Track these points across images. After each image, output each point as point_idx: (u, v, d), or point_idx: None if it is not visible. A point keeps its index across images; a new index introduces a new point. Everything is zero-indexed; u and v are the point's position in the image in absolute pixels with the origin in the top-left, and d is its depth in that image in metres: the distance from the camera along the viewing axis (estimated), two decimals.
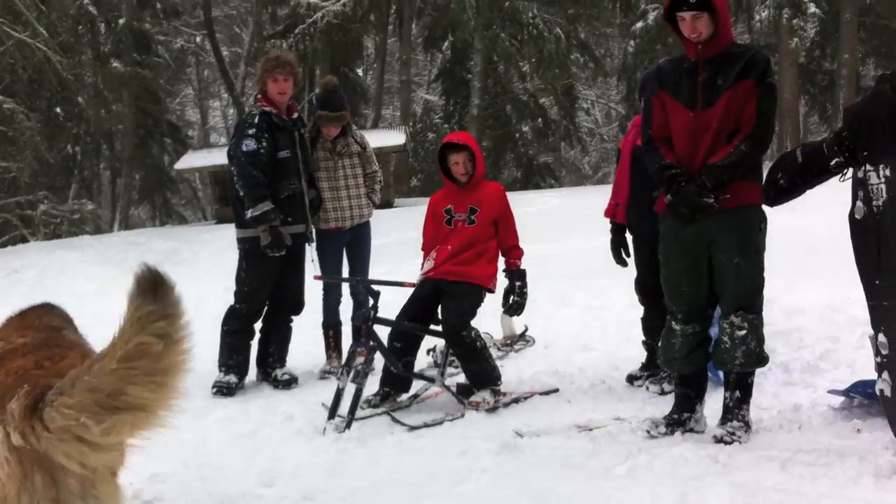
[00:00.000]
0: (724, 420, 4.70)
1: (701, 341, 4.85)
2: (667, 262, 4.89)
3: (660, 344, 5.05)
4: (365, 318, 5.76)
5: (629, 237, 6.28)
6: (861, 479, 3.83)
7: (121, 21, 27.19)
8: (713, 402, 4.95)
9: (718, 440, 4.56)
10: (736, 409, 4.70)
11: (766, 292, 4.81)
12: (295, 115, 6.77)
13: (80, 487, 2.54)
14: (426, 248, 6.24)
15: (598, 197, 7.83)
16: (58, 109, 27.35)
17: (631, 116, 15.91)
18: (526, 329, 7.72)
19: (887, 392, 4.23)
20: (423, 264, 6.19)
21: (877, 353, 4.32)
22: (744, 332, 4.63)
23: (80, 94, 26.43)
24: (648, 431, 4.77)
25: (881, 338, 4.26)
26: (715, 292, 4.76)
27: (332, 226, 7.03)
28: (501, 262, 6.17)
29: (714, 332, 4.91)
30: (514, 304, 6.12)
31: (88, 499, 2.56)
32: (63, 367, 2.78)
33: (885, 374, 4.24)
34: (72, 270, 13.17)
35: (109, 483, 2.68)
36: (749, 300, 4.68)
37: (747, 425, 4.67)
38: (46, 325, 3.38)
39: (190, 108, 41.69)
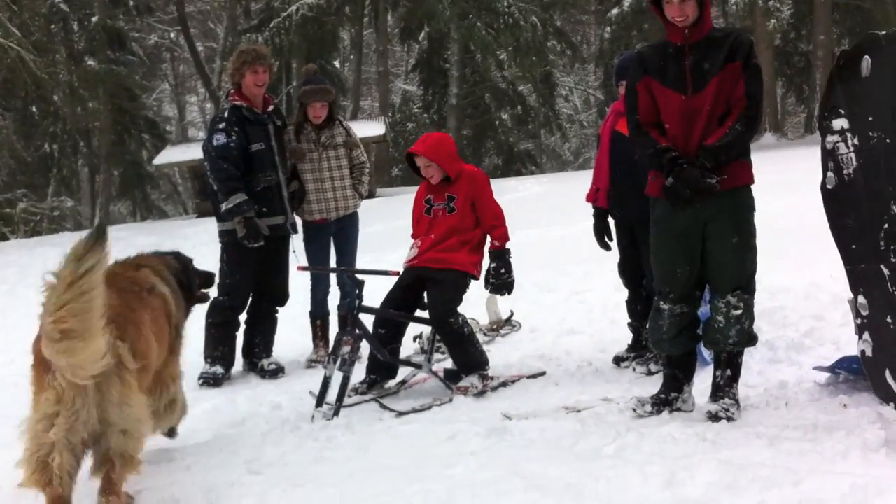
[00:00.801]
0: (716, 397, 4.72)
1: (689, 323, 4.84)
2: (662, 245, 4.84)
3: (647, 326, 5.05)
4: (350, 307, 5.75)
5: (611, 221, 6.28)
6: (849, 453, 3.83)
7: (94, 19, 27.03)
8: (700, 381, 4.97)
9: (713, 415, 4.57)
10: (727, 388, 4.72)
11: None
12: (271, 108, 6.77)
13: (119, 397, 3.66)
14: (414, 237, 6.23)
15: (580, 183, 7.83)
16: (33, 108, 27.24)
17: (609, 102, 15.96)
18: (512, 314, 7.73)
19: (868, 352, 4.27)
20: (408, 253, 6.18)
21: (857, 315, 4.37)
22: (739, 311, 4.64)
23: (55, 92, 26.33)
24: (634, 409, 4.78)
25: (861, 299, 4.31)
26: (705, 274, 4.76)
27: (317, 217, 7.02)
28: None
29: (702, 312, 4.92)
30: (492, 286, 6.07)
31: (124, 406, 3.68)
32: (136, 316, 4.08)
33: (867, 335, 4.28)
34: (53, 267, 13.07)
35: (140, 398, 3.84)
36: (746, 280, 4.69)
37: (737, 403, 4.69)
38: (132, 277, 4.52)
39: (167, 103, 41.58)
